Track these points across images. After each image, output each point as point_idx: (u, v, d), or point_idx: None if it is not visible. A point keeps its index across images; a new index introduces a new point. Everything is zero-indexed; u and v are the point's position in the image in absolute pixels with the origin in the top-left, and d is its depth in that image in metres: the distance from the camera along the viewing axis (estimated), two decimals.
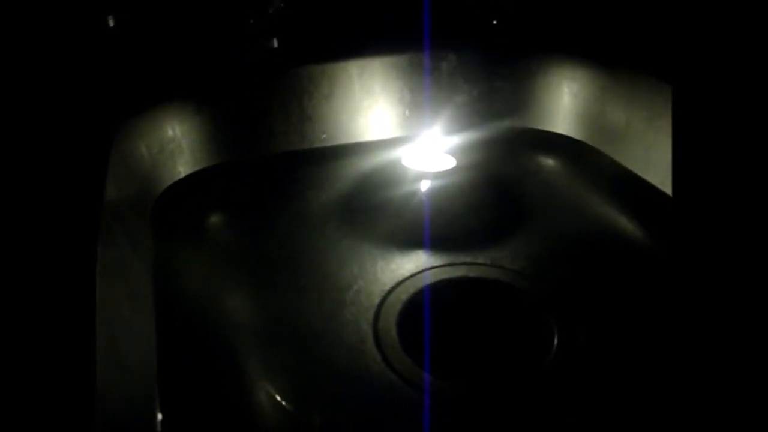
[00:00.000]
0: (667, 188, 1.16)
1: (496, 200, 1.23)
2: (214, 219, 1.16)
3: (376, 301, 0.96)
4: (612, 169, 1.27)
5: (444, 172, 1.26)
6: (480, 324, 0.96)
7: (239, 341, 0.90)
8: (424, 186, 1.24)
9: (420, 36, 1.33)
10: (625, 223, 1.15)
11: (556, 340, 0.89)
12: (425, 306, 0.97)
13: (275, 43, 1.29)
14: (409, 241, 1.08)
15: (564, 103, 1.37)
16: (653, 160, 1.19)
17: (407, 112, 1.36)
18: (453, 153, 1.29)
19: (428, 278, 1.00)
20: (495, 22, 1.48)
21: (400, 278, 1.00)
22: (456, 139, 1.32)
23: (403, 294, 0.97)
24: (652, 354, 0.88)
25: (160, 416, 0.75)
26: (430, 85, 1.36)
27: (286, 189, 1.25)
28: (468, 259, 1.05)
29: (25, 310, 0.61)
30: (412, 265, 1.03)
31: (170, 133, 1.16)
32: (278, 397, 0.81)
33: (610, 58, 1.30)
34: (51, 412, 0.51)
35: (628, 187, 1.22)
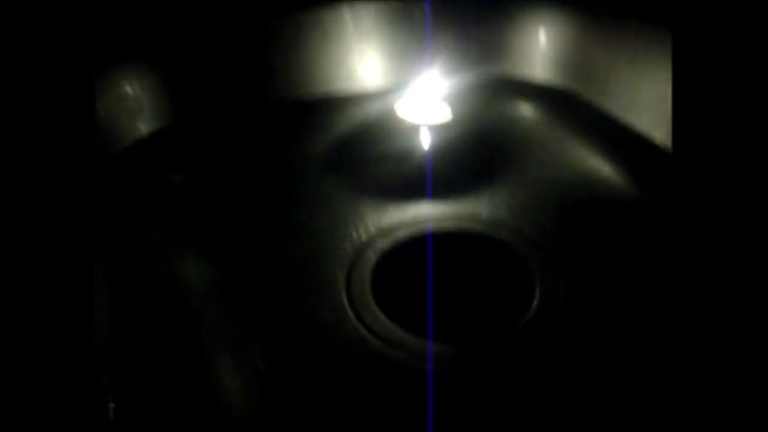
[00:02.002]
0: (653, 133, 1.12)
1: (476, 152, 1.18)
2: (182, 178, 1.11)
3: (351, 255, 0.92)
4: (595, 115, 1.22)
5: (436, 123, 1.20)
6: (460, 278, 0.92)
7: (205, 309, 0.86)
8: (404, 138, 1.19)
9: None
10: (609, 170, 1.11)
11: (538, 291, 0.85)
12: (402, 260, 0.93)
13: None
14: (385, 195, 1.04)
15: (544, 48, 1.32)
16: (636, 104, 1.15)
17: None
18: (434, 104, 1.24)
19: (403, 232, 0.96)
20: None
21: (376, 232, 0.96)
22: (433, 90, 1.26)
23: (378, 248, 0.93)
24: (637, 306, 0.84)
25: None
26: (407, 34, 1.30)
27: (263, 143, 1.20)
28: (450, 212, 1.00)
29: None
30: (388, 219, 0.98)
31: (129, 90, 1.10)
32: (251, 360, 0.77)
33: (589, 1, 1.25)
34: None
35: (612, 133, 1.17)
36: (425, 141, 1.17)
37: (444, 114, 1.19)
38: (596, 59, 1.23)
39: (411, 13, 1.29)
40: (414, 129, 1.18)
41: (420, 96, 1.21)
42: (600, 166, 1.12)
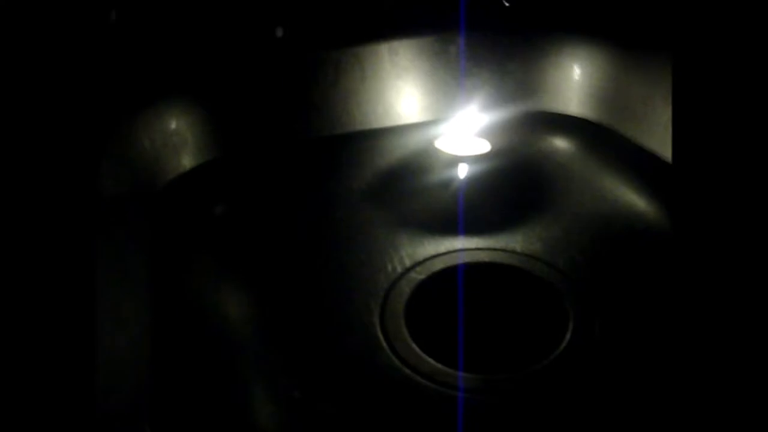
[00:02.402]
0: None
1: (513, 186, 1.19)
2: (223, 212, 1.14)
3: (385, 287, 0.93)
4: (631, 149, 1.22)
5: (473, 156, 1.22)
6: (493, 310, 0.93)
7: (244, 339, 0.88)
8: (442, 171, 1.21)
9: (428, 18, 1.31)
10: (644, 203, 1.11)
11: (571, 326, 0.85)
12: (436, 292, 0.94)
13: (279, 32, 1.27)
14: (420, 227, 1.05)
15: (580, 84, 1.33)
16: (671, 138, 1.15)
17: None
18: (478, 137, 1.26)
19: (438, 264, 0.97)
20: (507, 4, 1.44)
21: (410, 264, 0.97)
22: (472, 124, 1.28)
23: (412, 280, 0.94)
24: (672, 342, 0.83)
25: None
26: (444, 69, 1.32)
27: (303, 177, 1.23)
28: (484, 245, 1.01)
29: (23, 309, 0.58)
30: (421, 250, 1.00)
31: (172, 126, 1.14)
32: (283, 389, 0.79)
33: (625, 35, 1.25)
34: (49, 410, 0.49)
35: (648, 167, 1.17)
36: (462, 174, 1.18)
37: (482, 147, 1.20)
38: (632, 93, 1.24)
39: (447, 48, 1.31)
40: (452, 162, 1.19)
41: (459, 130, 1.23)
42: (636, 199, 1.12)
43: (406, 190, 1.17)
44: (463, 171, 1.19)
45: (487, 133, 1.24)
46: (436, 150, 1.21)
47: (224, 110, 1.22)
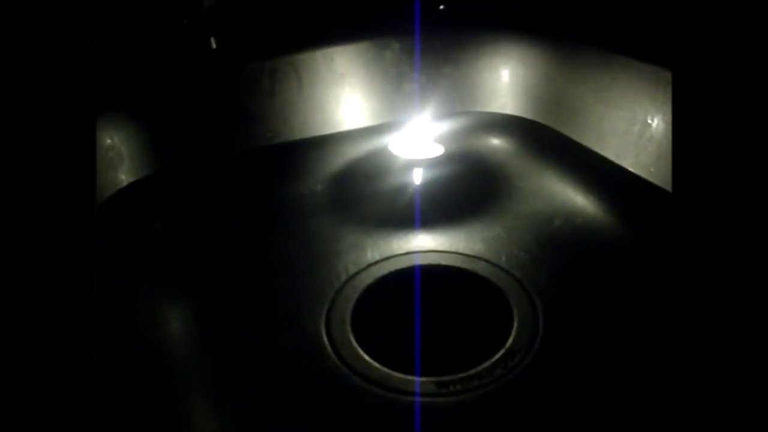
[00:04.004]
0: (622, 161, 1.15)
1: (454, 187, 1.20)
2: (164, 226, 1.12)
3: (332, 293, 0.93)
4: (568, 146, 1.25)
5: (415, 160, 1.23)
6: (439, 312, 0.93)
7: (186, 353, 0.87)
8: (388, 176, 1.22)
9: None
10: (582, 199, 1.13)
11: (516, 323, 0.87)
12: (382, 296, 0.95)
13: (213, 44, 1.26)
14: (365, 231, 1.06)
15: (515, 84, 1.36)
16: (605, 134, 1.18)
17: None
18: (419, 142, 1.27)
19: (382, 269, 0.98)
20: (441, 6, 1.46)
21: (355, 269, 0.98)
22: (418, 128, 1.29)
23: (359, 285, 0.94)
24: (616, 335, 0.86)
25: None
26: (382, 75, 1.33)
27: (246, 188, 1.22)
28: (428, 247, 1.02)
29: None
30: (366, 255, 1.00)
31: (108, 141, 1.12)
32: (231, 402, 0.78)
33: (556, 35, 1.28)
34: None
35: (584, 163, 1.20)
36: (406, 178, 1.19)
37: (425, 151, 1.22)
38: (566, 91, 1.26)
39: (382, 53, 1.32)
40: (396, 166, 1.21)
41: (405, 135, 1.24)
42: (574, 195, 1.15)
43: (348, 196, 1.18)
44: (406, 174, 1.20)
45: (434, 136, 1.26)
46: (382, 154, 1.22)
47: (161, 124, 1.20)
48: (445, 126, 1.30)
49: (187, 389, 0.80)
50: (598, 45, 1.19)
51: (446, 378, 0.79)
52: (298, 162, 1.27)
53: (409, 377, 0.80)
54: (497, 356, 0.82)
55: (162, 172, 1.19)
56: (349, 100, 1.33)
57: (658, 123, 1.09)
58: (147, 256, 1.05)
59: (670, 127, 1.07)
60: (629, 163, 1.14)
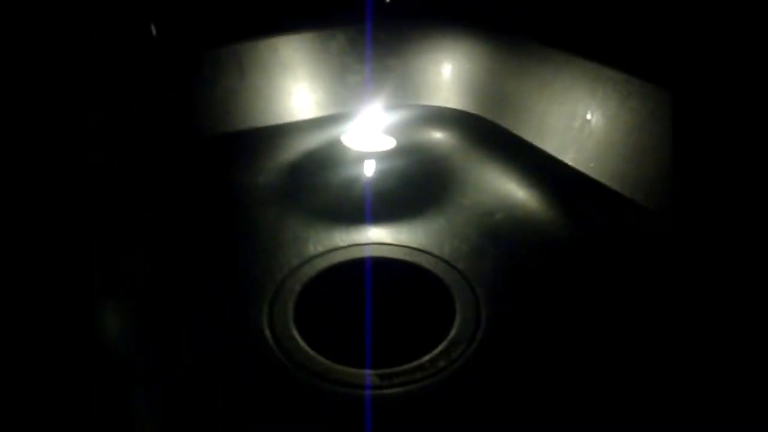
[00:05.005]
0: (563, 156, 1.17)
1: (396, 180, 1.20)
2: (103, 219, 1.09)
3: (275, 285, 0.92)
4: (511, 141, 1.26)
5: (360, 152, 1.22)
6: (382, 303, 0.93)
7: (127, 348, 0.84)
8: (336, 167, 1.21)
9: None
10: (525, 193, 1.15)
11: (458, 312, 0.87)
12: (325, 289, 0.94)
13: (154, 31, 1.23)
14: (303, 225, 1.05)
15: (458, 78, 1.36)
16: (546, 129, 1.20)
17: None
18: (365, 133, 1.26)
19: (325, 261, 0.97)
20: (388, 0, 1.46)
21: (297, 262, 0.97)
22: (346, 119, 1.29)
23: (302, 277, 0.94)
24: (554, 320, 0.87)
25: None
26: (326, 66, 1.32)
27: (187, 178, 1.20)
28: (373, 239, 1.02)
29: None
30: (308, 248, 0.99)
31: None
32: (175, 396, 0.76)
33: (499, 30, 1.30)
34: None
35: (526, 157, 1.22)
36: (354, 170, 1.19)
37: (369, 144, 1.21)
38: (507, 86, 1.28)
39: (327, 45, 1.31)
40: (344, 158, 1.20)
41: (349, 127, 1.24)
42: (515, 188, 1.16)
43: (294, 187, 1.16)
44: (353, 167, 1.19)
45: (368, 128, 1.25)
46: (333, 145, 1.21)
47: (102, 116, 1.16)
48: (389, 119, 1.30)
49: (127, 383, 0.78)
50: (541, 41, 1.21)
51: (390, 370, 0.79)
52: (241, 153, 1.25)
53: (353, 369, 0.79)
54: (440, 347, 0.82)
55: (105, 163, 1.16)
56: (292, 91, 1.32)
57: (597, 119, 1.11)
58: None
59: (609, 124, 1.09)
60: (569, 158, 1.16)
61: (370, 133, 1.24)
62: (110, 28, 1.21)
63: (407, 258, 0.98)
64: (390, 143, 1.24)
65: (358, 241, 1.02)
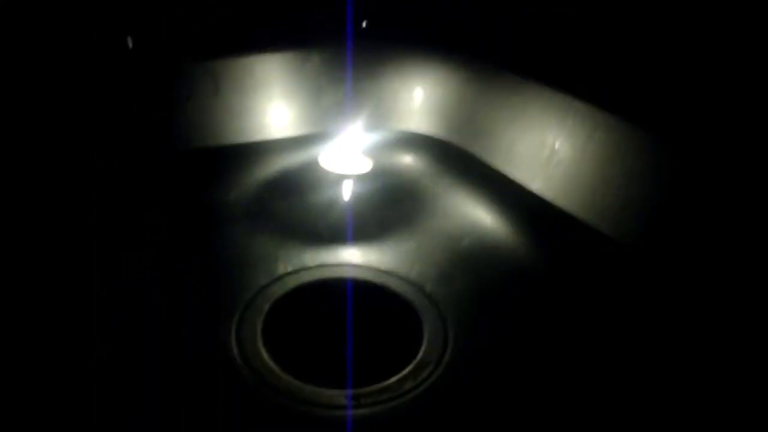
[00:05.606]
0: (531, 185, 1.19)
1: (367, 204, 1.20)
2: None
3: (244, 303, 0.92)
4: (480, 167, 1.28)
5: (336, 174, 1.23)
6: (351, 324, 0.93)
7: (95, 366, 0.83)
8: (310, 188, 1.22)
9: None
10: (494, 219, 1.16)
11: (425, 335, 0.88)
12: (293, 309, 0.94)
13: (129, 43, 1.22)
14: (277, 245, 1.05)
15: (429, 104, 1.38)
16: (515, 157, 1.22)
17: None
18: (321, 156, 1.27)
19: (293, 281, 0.97)
20: (364, 24, 1.47)
21: (267, 281, 0.97)
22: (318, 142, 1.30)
23: (270, 296, 0.94)
24: (519, 343, 0.88)
25: None
26: (302, 86, 1.33)
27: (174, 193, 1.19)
28: (342, 261, 1.03)
29: None
30: (276, 267, 0.99)
31: None
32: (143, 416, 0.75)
33: (471, 57, 1.32)
34: None
35: (495, 184, 1.23)
36: (332, 193, 1.20)
37: (344, 165, 1.22)
38: (479, 114, 1.30)
39: (303, 66, 1.32)
40: (319, 180, 1.21)
41: (320, 149, 1.25)
42: (484, 216, 1.17)
43: (266, 207, 1.16)
44: (320, 188, 1.20)
45: (337, 150, 1.27)
46: (312, 165, 1.22)
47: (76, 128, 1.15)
48: (357, 142, 1.31)
49: (93, 399, 0.77)
50: (512, 71, 1.23)
51: (357, 390, 0.79)
52: (214, 169, 1.25)
53: (320, 389, 0.79)
54: (408, 369, 0.83)
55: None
56: (266, 109, 1.33)
57: (565, 149, 1.13)
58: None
59: (576, 154, 1.12)
60: (537, 187, 1.18)
61: (342, 155, 1.25)
62: (86, 38, 1.21)
63: (376, 279, 0.99)
64: (364, 166, 1.25)
65: (327, 262, 1.02)
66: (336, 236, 1.08)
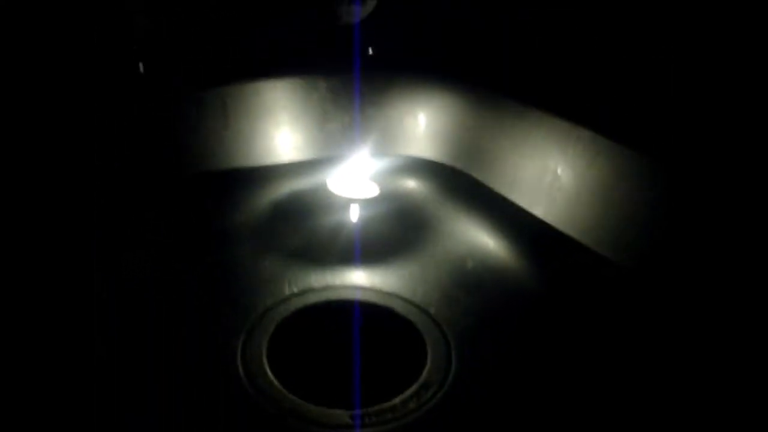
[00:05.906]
0: (534, 210, 1.21)
1: (371, 225, 1.22)
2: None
3: (250, 324, 0.94)
4: (484, 192, 1.30)
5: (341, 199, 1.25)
6: (355, 346, 0.95)
7: (101, 385, 0.84)
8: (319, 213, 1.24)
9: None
10: (497, 243, 1.18)
11: (429, 356, 0.89)
12: (299, 330, 0.95)
13: (141, 68, 1.25)
14: (285, 266, 1.07)
15: (433, 130, 1.41)
16: (518, 183, 1.24)
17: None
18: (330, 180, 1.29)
19: (299, 302, 0.99)
20: (371, 51, 1.50)
21: (273, 302, 0.98)
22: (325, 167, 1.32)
23: (276, 317, 0.95)
24: (523, 368, 0.90)
25: None
26: (309, 112, 1.36)
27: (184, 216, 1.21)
28: (347, 283, 1.04)
29: None
30: (285, 289, 1.01)
31: None
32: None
33: (477, 84, 1.34)
34: None
35: (498, 209, 1.25)
36: (339, 217, 1.22)
37: (351, 189, 1.24)
38: (483, 140, 1.32)
39: (310, 94, 1.35)
40: (325, 204, 1.23)
41: (327, 173, 1.27)
42: (487, 240, 1.19)
43: (273, 229, 1.18)
44: (328, 212, 1.22)
45: (345, 175, 1.29)
46: (320, 189, 1.24)
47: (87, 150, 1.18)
48: (366, 169, 1.33)
49: (93, 407, 0.78)
50: (516, 98, 1.26)
51: (361, 410, 0.81)
52: (222, 192, 1.27)
53: (324, 409, 0.81)
54: (411, 390, 0.84)
55: None
56: (274, 135, 1.35)
57: (568, 175, 1.15)
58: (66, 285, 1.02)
59: (578, 180, 1.14)
60: (540, 212, 1.20)
61: (349, 179, 1.27)
62: (98, 62, 1.24)
63: (381, 301, 1.01)
64: (371, 191, 1.27)
65: (333, 284, 1.04)
66: (342, 259, 1.10)
